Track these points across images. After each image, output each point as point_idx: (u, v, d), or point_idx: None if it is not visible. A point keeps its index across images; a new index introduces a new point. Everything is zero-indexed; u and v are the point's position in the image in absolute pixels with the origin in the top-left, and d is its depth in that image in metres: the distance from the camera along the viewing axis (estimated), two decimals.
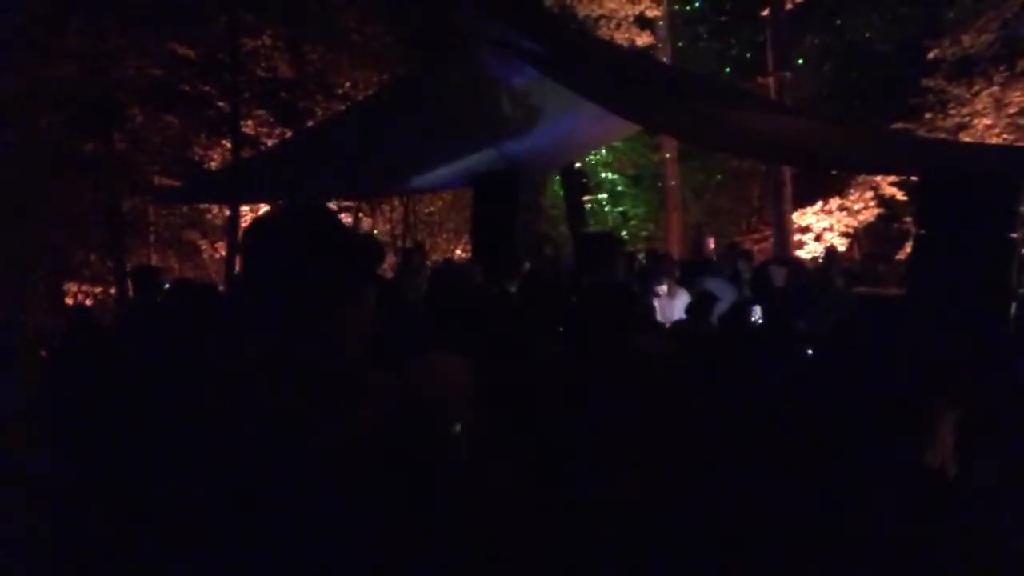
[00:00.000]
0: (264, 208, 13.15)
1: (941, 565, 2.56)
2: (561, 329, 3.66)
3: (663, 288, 6.52)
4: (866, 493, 2.79)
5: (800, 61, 16.35)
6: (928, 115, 11.72)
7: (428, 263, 9.35)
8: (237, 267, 11.17)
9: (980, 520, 2.66)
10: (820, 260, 10.23)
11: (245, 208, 12.31)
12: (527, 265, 7.29)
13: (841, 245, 13.85)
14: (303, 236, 1.34)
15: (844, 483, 2.81)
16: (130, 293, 8.18)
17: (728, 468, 2.88)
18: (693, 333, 4.76)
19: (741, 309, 4.55)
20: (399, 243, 13.17)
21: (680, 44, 16.51)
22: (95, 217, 10.43)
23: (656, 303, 6.10)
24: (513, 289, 5.24)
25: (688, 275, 6.98)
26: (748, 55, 17.05)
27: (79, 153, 9.81)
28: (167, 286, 5.11)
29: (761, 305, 5.74)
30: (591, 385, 2.89)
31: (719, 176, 18.31)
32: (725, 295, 5.82)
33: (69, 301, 10.21)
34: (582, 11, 12.54)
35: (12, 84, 8.66)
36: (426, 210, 14.91)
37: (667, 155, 14.87)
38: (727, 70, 18.03)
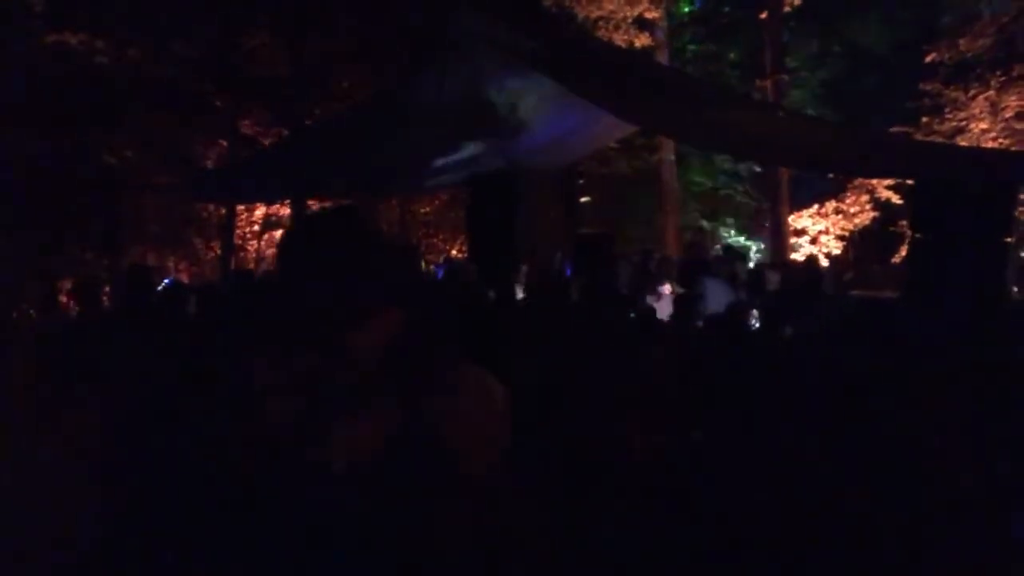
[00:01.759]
0: (261, 208, 13.18)
1: (940, 560, 2.57)
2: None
3: (666, 288, 6.53)
4: (864, 493, 2.79)
5: (797, 64, 16.39)
6: (925, 119, 11.75)
7: (424, 263, 9.32)
8: (233, 265, 11.16)
9: (973, 518, 2.67)
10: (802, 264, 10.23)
11: (241, 207, 12.29)
12: (524, 268, 7.30)
13: (837, 248, 13.89)
14: (338, 246, 1.33)
15: (841, 482, 2.82)
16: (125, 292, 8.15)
17: (729, 466, 2.89)
18: (677, 334, 4.77)
19: (736, 312, 4.55)
20: (396, 243, 13.16)
21: (678, 46, 16.53)
22: (91, 214, 10.41)
23: (656, 305, 6.11)
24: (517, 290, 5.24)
25: (686, 277, 6.99)
26: (746, 58, 17.08)
27: (77, 151, 9.79)
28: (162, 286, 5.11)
29: (757, 308, 5.75)
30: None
31: (715, 178, 18.33)
32: (722, 297, 5.83)
33: (63, 299, 10.17)
34: (581, 12, 12.55)
35: (11, 82, 8.64)
36: (423, 210, 14.91)
37: (664, 156, 14.88)
38: (725, 72, 18.04)
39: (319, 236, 1.36)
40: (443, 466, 1.29)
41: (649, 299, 6.15)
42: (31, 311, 8.69)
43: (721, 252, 9.51)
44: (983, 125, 10.98)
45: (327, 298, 1.30)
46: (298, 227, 1.43)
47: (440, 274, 9.44)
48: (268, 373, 1.33)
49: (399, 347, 1.34)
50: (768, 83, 13.43)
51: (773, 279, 6.89)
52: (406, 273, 5.01)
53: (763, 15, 13.59)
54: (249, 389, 1.33)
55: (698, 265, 7.70)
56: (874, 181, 12.54)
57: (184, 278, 11.73)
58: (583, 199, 18.47)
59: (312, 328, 1.32)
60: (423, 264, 10.09)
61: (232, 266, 11.00)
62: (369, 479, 1.24)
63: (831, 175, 12.84)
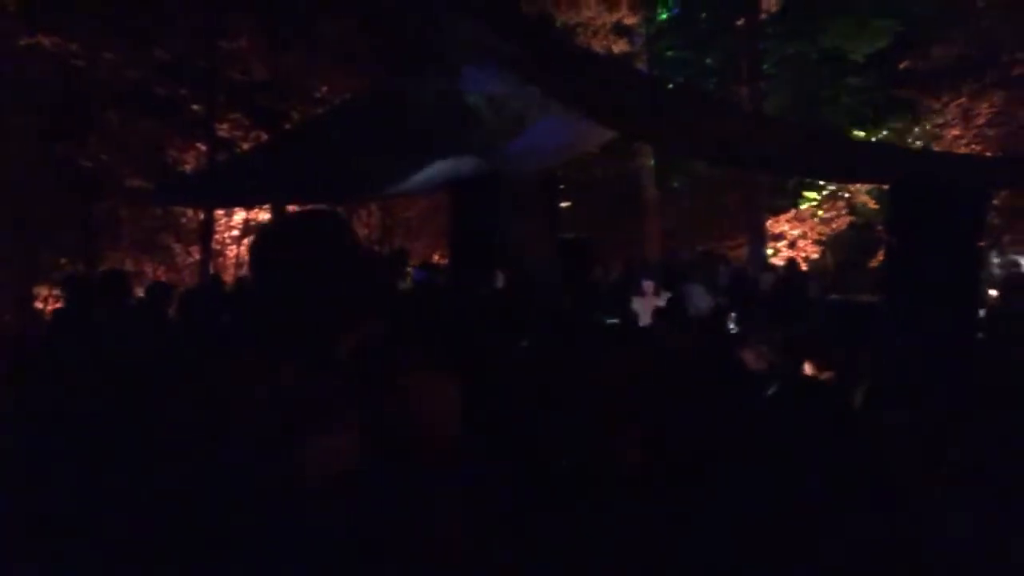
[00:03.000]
0: (240, 212, 13.07)
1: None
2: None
3: (649, 284, 6.58)
4: (831, 498, 2.81)
5: (774, 70, 16.55)
6: (899, 125, 11.95)
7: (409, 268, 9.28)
8: (211, 271, 11.07)
9: (944, 523, 2.70)
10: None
11: (220, 212, 12.18)
12: (500, 274, 7.28)
13: (814, 253, 14.05)
14: (314, 250, 1.29)
15: (810, 490, 2.84)
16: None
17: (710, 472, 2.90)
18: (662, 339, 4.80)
19: (718, 316, 4.60)
20: (377, 248, 13.11)
21: (656, 52, 16.63)
22: (67, 219, 10.27)
23: (640, 303, 6.16)
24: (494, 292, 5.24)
25: (668, 281, 7.06)
26: (723, 64, 17.21)
27: (52, 155, 9.66)
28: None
29: (737, 311, 5.81)
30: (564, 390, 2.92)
31: (693, 183, 18.43)
32: (701, 302, 5.89)
33: (39, 305, 10.03)
34: (560, 18, 12.58)
35: None
36: (404, 214, 14.85)
37: (643, 162, 14.97)
38: (703, 79, 18.17)
39: (295, 241, 1.31)
40: (410, 476, 1.25)
41: (635, 301, 6.21)
42: (5, 316, 8.56)
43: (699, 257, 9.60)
44: (955, 132, 11.17)
45: (309, 306, 1.27)
46: (272, 231, 1.37)
47: (417, 278, 9.42)
48: (243, 385, 1.29)
49: (365, 355, 1.31)
50: (745, 89, 13.57)
51: (767, 280, 6.98)
52: (387, 279, 4.99)
53: (740, 22, 13.73)
54: (223, 404, 1.28)
55: (679, 268, 7.77)
56: (850, 186, 12.71)
57: None
58: (563, 204, 18.50)
59: (294, 338, 1.28)
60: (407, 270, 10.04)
61: (211, 271, 10.90)
62: (341, 495, 1.21)
63: (808, 180, 13.00)
